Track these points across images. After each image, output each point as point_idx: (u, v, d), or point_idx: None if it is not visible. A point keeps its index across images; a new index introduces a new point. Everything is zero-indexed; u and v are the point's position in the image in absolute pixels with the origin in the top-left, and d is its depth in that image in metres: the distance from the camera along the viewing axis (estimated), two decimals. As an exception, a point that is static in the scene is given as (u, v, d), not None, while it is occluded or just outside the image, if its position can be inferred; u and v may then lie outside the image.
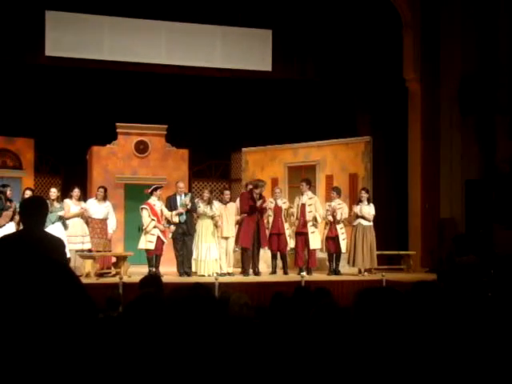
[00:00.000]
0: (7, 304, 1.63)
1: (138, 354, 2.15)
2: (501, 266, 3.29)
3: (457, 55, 13.28)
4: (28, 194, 10.87)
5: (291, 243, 12.47)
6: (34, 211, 4.50)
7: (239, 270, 12.39)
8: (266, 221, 12.48)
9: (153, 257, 11.64)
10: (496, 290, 3.54)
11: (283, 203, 12.50)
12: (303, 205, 12.34)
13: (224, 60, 14.78)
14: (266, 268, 12.73)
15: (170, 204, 11.77)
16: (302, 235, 12.30)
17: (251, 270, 12.09)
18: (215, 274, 11.30)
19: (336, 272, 12.31)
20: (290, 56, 15.02)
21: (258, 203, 12.01)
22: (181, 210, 11.58)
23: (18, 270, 1.70)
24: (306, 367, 2.38)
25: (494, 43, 12.80)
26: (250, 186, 12.38)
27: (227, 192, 12.65)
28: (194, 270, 11.82)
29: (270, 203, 12.48)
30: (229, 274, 11.95)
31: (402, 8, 14.06)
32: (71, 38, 13.90)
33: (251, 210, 12.03)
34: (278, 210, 12.43)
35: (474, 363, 2.58)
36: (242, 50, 14.81)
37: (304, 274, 11.34)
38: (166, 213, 11.65)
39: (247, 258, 12.14)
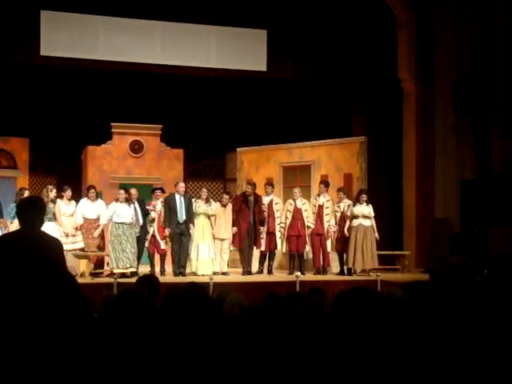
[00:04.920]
0: (3, 304, 1.63)
1: (125, 351, 2.16)
2: (494, 264, 3.32)
3: (452, 55, 13.31)
4: (26, 193, 10.94)
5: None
6: (32, 211, 4.49)
7: (233, 269, 12.46)
8: (280, 221, 12.47)
9: (152, 255, 11.93)
10: (489, 290, 3.54)
11: (303, 204, 12.37)
12: (320, 206, 12.37)
13: (219, 60, 14.79)
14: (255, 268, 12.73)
15: (169, 204, 11.78)
16: (319, 236, 12.35)
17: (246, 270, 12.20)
18: (211, 274, 11.35)
19: (344, 272, 12.27)
20: (284, 56, 15.05)
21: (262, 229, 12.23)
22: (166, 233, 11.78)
23: (14, 271, 1.71)
24: (291, 367, 2.39)
25: (489, 43, 12.82)
26: (248, 188, 12.37)
27: (226, 196, 12.64)
28: (191, 269, 11.86)
29: (289, 205, 12.45)
30: (223, 273, 12.00)
31: (396, 8, 14.08)
32: (66, 38, 13.90)
33: (242, 213, 12.08)
34: (297, 211, 12.32)
35: (467, 360, 2.60)
36: (236, 50, 14.84)
37: (298, 273, 11.33)
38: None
39: (242, 258, 12.27)
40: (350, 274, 12.21)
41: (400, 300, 3.66)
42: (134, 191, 11.78)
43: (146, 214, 11.83)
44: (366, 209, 12.09)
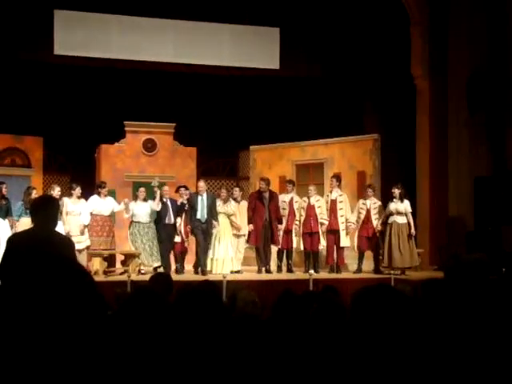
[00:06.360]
0: (20, 301, 1.64)
1: (136, 347, 2.17)
2: (509, 262, 3.30)
3: (465, 52, 13.24)
4: (34, 193, 10.93)
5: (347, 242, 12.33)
6: (45, 211, 4.49)
7: (247, 267, 12.44)
8: (296, 218, 12.32)
9: (177, 252, 11.95)
10: (505, 288, 3.52)
11: (316, 201, 12.22)
12: (333, 201, 12.24)
13: (232, 58, 14.81)
14: (273, 266, 12.69)
15: (190, 204, 11.82)
16: (332, 233, 12.21)
17: (263, 268, 12.07)
18: (228, 272, 11.33)
19: (378, 271, 12.08)
20: (297, 54, 15.04)
21: (280, 228, 12.12)
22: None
23: (29, 269, 1.71)
24: (305, 365, 2.38)
25: (503, 39, 12.75)
26: (261, 184, 12.31)
27: (236, 189, 12.67)
28: (209, 268, 11.83)
29: (303, 202, 12.33)
30: (236, 271, 11.98)
31: (409, 5, 14.02)
32: (79, 37, 13.98)
33: (257, 210, 12.03)
34: (310, 208, 12.18)
35: (482, 357, 2.58)
36: (249, 48, 14.85)
37: (312, 271, 11.30)
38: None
39: (258, 256, 12.17)
40: (378, 272, 12.04)
41: (409, 298, 3.65)
42: (166, 188, 11.95)
43: (179, 209, 11.86)
44: (400, 205, 11.91)
